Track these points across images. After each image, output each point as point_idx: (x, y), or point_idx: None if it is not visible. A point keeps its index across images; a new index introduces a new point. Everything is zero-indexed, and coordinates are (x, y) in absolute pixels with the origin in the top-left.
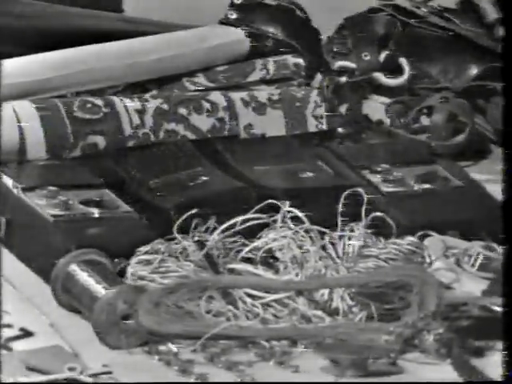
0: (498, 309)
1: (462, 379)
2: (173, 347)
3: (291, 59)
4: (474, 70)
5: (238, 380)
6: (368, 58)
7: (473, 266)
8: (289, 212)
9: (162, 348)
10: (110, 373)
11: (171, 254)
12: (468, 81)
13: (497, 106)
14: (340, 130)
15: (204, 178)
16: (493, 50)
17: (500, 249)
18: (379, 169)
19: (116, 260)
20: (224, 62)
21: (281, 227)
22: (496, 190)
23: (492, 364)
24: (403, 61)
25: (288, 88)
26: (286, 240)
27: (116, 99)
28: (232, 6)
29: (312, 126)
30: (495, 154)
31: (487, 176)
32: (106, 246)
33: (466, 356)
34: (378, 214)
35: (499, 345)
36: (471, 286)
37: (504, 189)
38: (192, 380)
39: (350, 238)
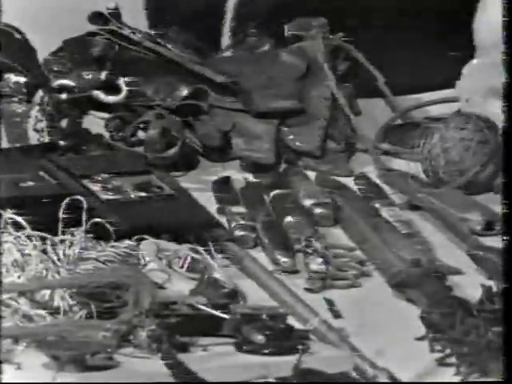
0: (203, 307)
1: (171, 372)
2: None
3: (12, 78)
4: (184, 91)
5: None
6: (89, 77)
7: (182, 267)
8: (10, 219)
9: None
10: None
11: None
12: (179, 99)
13: (204, 122)
14: (61, 142)
15: None
16: (200, 73)
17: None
18: (99, 178)
19: None
20: None
21: (2, 233)
22: (204, 198)
23: (195, 358)
24: (121, 80)
25: (9, 104)
26: (7, 245)
27: None
28: None
29: (33, 139)
30: (203, 165)
31: (196, 185)
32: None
33: (173, 351)
34: (98, 219)
35: (203, 341)
36: (180, 286)
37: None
38: None
39: (71, 243)
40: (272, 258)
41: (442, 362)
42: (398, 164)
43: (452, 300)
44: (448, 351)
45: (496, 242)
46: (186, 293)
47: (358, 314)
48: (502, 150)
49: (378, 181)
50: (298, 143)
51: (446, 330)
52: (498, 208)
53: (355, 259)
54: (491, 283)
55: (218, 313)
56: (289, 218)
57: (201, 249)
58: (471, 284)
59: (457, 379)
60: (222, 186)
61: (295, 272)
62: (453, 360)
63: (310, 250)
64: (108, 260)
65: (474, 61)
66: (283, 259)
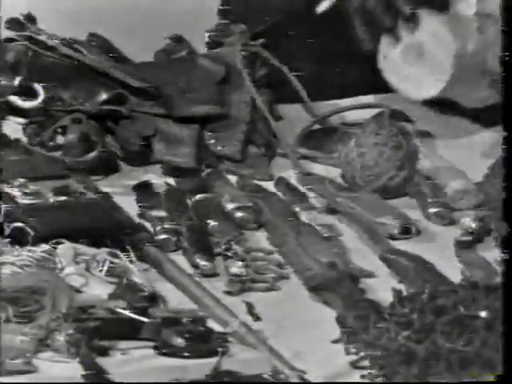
0: (122, 311)
1: (86, 377)
2: None
3: None
4: (102, 96)
5: None
6: (3, 82)
7: (101, 271)
8: None
9: None
10: None
11: None
12: (98, 104)
13: (125, 127)
14: None
15: None
16: (118, 78)
17: (123, 255)
18: (17, 183)
19: None
20: None
21: None
22: (124, 202)
23: (115, 363)
24: (37, 86)
25: None
26: None
27: None
28: None
29: None
30: (123, 169)
31: (116, 189)
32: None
33: (92, 355)
34: (17, 224)
35: (122, 344)
36: (99, 290)
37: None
38: None
39: None
40: (192, 262)
41: (355, 365)
42: (317, 168)
43: (365, 303)
44: (362, 354)
45: (408, 245)
46: (104, 297)
47: (276, 317)
48: (415, 155)
49: (297, 185)
50: (219, 147)
51: (360, 332)
52: (412, 212)
53: (274, 262)
54: (401, 287)
55: (137, 316)
56: (210, 222)
57: (120, 253)
58: (384, 287)
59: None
60: (143, 190)
61: (215, 275)
62: (366, 363)
63: (230, 254)
64: (25, 264)
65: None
66: (203, 262)
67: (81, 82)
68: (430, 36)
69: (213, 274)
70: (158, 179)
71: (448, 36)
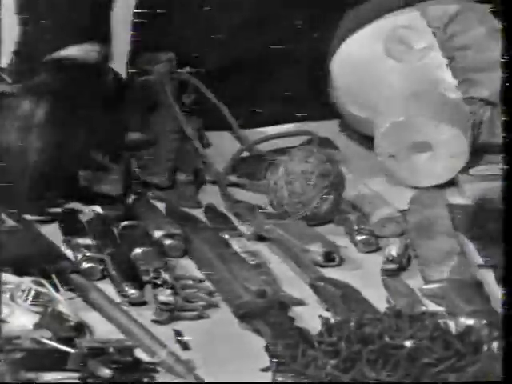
0: (48, 341)
1: None
2: None
3: None
4: None
5: None
6: None
7: (26, 300)
8: None
9: None
10: None
11: None
12: None
13: None
14: None
15: None
16: None
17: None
18: None
19: None
20: None
21: None
22: (49, 230)
23: None
24: None
25: None
26: None
27: None
28: None
29: None
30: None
31: (40, 217)
32: None
33: None
34: None
35: (48, 376)
36: (24, 320)
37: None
38: None
39: None
40: (119, 290)
41: None
42: (246, 196)
43: (294, 331)
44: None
45: (337, 273)
46: (29, 327)
47: (206, 345)
48: (342, 182)
49: (226, 212)
50: (147, 175)
51: (289, 361)
52: (340, 239)
53: (204, 290)
54: (329, 315)
55: (63, 347)
56: (138, 250)
57: (44, 281)
58: (313, 315)
59: None
60: (68, 218)
61: (143, 304)
62: None
63: (158, 282)
64: None
65: (399, 118)
66: (131, 291)
67: None
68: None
69: (141, 303)
70: (84, 207)
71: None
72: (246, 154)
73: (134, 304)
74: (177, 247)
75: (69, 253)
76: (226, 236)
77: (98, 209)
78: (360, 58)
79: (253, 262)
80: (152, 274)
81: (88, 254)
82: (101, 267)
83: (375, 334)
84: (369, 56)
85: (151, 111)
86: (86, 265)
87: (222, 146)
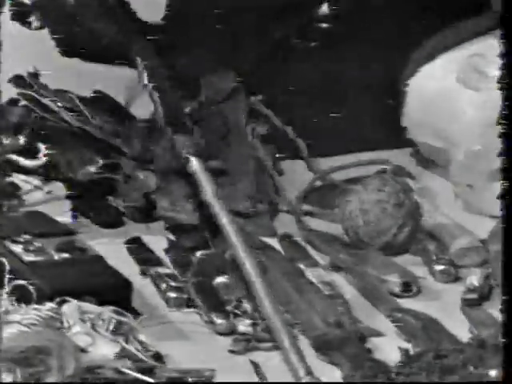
0: (129, 371)
1: None
2: None
3: None
4: (96, 164)
5: None
6: (7, 141)
7: (107, 330)
8: None
9: None
10: None
11: None
12: (90, 175)
13: (127, 184)
14: None
15: None
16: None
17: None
18: (21, 239)
19: None
20: None
21: None
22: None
23: None
24: (40, 146)
25: None
26: None
27: None
28: None
29: None
30: (127, 226)
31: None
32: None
33: None
34: (21, 282)
35: None
36: (105, 349)
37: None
38: None
39: None
40: (206, 320)
41: None
42: (320, 225)
43: (372, 363)
44: None
45: (415, 303)
46: (110, 356)
47: (282, 377)
48: (418, 212)
49: (301, 241)
50: (228, 203)
51: None
52: (417, 269)
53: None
54: (408, 346)
55: (143, 377)
56: (220, 278)
57: (125, 311)
58: (391, 346)
59: None
60: (137, 246)
61: (231, 333)
62: None
63: (239, 312)
64: (31, 323)
65: (476, 147)
66: (219, 321)
67: (77, 148)
68: None
69: (229, 332)
70: (161, 236)
71: None
72: (319, 182)
73: (221, 334)
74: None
75: (148, 282)
76: (302, 266)
77: (174, 238)
78: (433, 88)
79: (329, 293)
80: (234, 304)
81: (172, 284)
82: (186, 296)
83: (457, 364)
84: (442, 86)
85: (226, 138)
86: (172, 294)
87: (295, 175)
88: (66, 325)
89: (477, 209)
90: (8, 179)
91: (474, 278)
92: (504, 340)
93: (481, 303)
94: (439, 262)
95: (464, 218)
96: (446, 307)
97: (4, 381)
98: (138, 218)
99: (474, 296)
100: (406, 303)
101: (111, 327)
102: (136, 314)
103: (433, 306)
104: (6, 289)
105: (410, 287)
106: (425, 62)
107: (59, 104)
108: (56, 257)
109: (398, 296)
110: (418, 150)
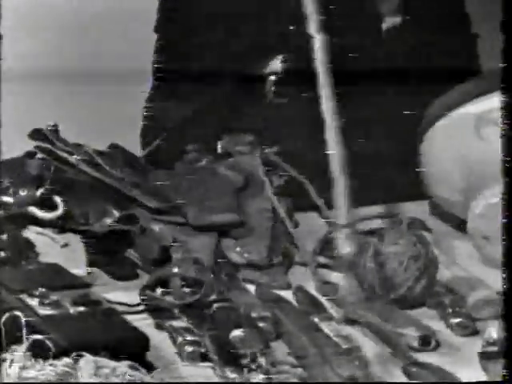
0: None
1: None
2: None
3: None
4: (113, 216)
5: None
6: (24, 193)
7: None
8: None
9: None
10: None
11: None
12: (106, 227)
13: (143, 236)
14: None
15: None
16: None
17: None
18: (37, 292)
19: None
20: None
21: None
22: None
23: None
24: (57, 199)
25: None
26: None
27: None
28: None
29: None
30: (143, 278)
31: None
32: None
33: None
34: (37, 336)
35: None
36: None
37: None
38: None
39: (12, 360)
40: (220, 374)
41: None
42: (335, 277)
43: None
44: None
45: (431, 357)
46: None
47: None
48: (434, 264)
49: (315, 294)
50: (246, 255)
51: None
52: (433, 323)
53: (297, 376)
54: None
55: None
56: (236, 332)
57: (139, 366)
58: None
59: None
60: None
61: None
62: None
63: (253, 366)
64: (47, 379)
65: (493, 200)
66: (232, 375)
67: (94, 200)
68: None
69: None
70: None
71: None
72: (334, 234)
73: None
74: (269, 331)
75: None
76: (316, 319)
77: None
78: (450, 142)
79: (345, 347)
80: (249, 358)
81: (189, 338)
82: (201, 350)
83: None
84: (459, 140)
85: (242, 191)
86: (188, 348)
87: (310, 227)
88: (80, 380)
89: (493, 261)
90: (24, 231)
91: (493, 331)
92: None
93: (499, 356)
94: (456, 315)
95: (481, 271)
96: (463, 361)
97: None
98: (153, 271)
99: (493, 349)
100: (422, 357)
101: (125, 382)
102: (151, 367)
103: (450, 360)
104: (25, 344)
105: (428, 341)
106: (439, 117)
107: (77, 157)
108: (71, 310)
109: (416, 350)
110: (435, 203)
